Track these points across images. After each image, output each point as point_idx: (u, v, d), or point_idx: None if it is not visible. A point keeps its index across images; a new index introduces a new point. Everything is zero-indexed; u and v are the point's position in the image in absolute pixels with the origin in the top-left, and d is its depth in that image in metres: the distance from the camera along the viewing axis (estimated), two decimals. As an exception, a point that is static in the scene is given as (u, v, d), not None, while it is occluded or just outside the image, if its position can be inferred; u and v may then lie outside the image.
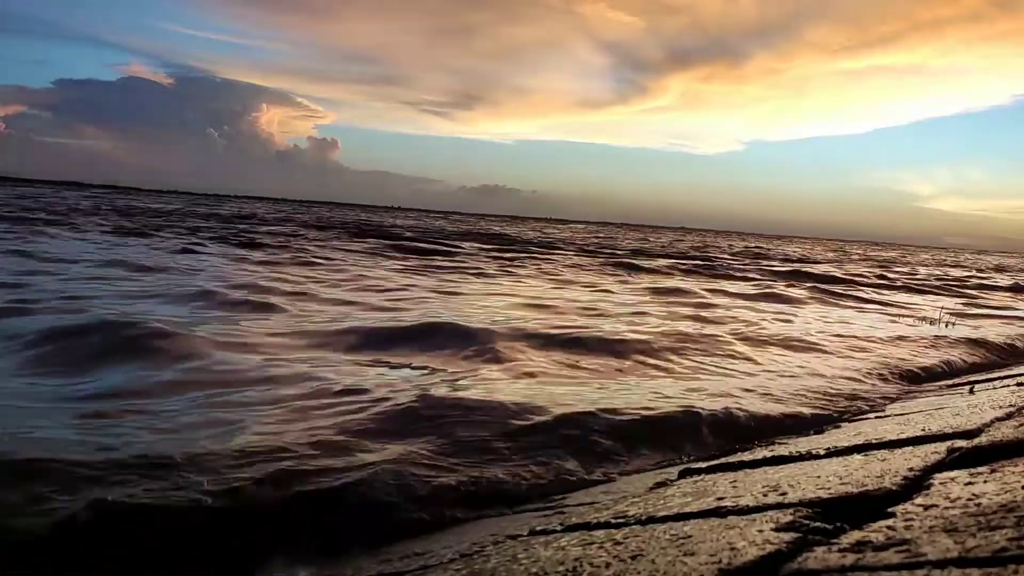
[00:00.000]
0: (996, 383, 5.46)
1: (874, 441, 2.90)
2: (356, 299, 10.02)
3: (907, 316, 12.51)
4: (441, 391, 4.78)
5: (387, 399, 4.48)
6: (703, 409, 4.61)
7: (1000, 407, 3.34)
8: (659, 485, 2.99)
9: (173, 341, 5.89)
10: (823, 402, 5.33)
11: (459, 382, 5.19)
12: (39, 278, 9.95)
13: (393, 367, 5.76)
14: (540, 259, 22.25)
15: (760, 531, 1.72)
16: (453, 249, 23.92)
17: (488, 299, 11.04)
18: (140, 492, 2.92)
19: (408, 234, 32.36)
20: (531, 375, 5.59)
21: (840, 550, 1.49)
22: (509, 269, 17.93)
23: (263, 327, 7.14)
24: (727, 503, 2.10)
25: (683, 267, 22.82)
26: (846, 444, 2.94)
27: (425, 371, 5.67)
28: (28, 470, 3.02)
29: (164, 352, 5.58)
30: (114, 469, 3.10)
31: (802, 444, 3.44)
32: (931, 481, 1.95)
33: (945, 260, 50.95)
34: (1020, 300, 18.46)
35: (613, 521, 2.19)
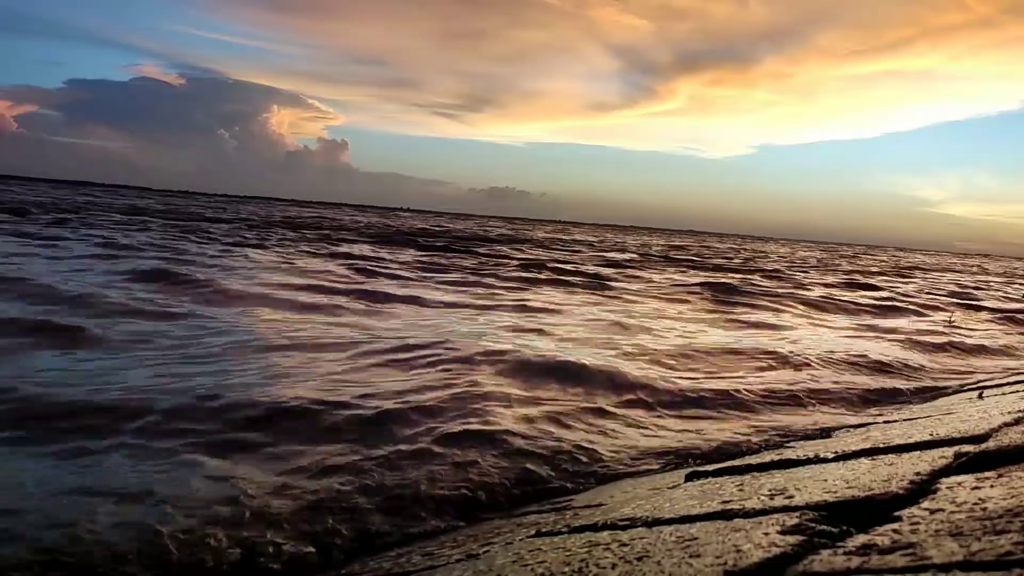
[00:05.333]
0: (1005, 388, 5.44)
1: (881, 445, 2.89)
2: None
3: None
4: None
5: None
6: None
7: (1008, 412, 3.32)
8: (666, 487, 3.00)
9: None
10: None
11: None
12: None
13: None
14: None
15: (766, 534, 1.72)
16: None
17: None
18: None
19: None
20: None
21: (846, 553, 1.49)
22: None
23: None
24: (733, 506, 2.11)
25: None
26: (854, 448, 2.93)
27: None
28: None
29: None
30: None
31: (809, 448, 3.44)
32: (938, 485, 1.95)
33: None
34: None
35: (619, 523, 2.19)
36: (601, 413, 4.96)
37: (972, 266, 56.03)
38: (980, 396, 5.14)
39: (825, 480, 2.31)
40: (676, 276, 20.30)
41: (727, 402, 5.55)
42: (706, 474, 3.01)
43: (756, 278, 21.46)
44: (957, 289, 23.53)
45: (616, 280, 17.41)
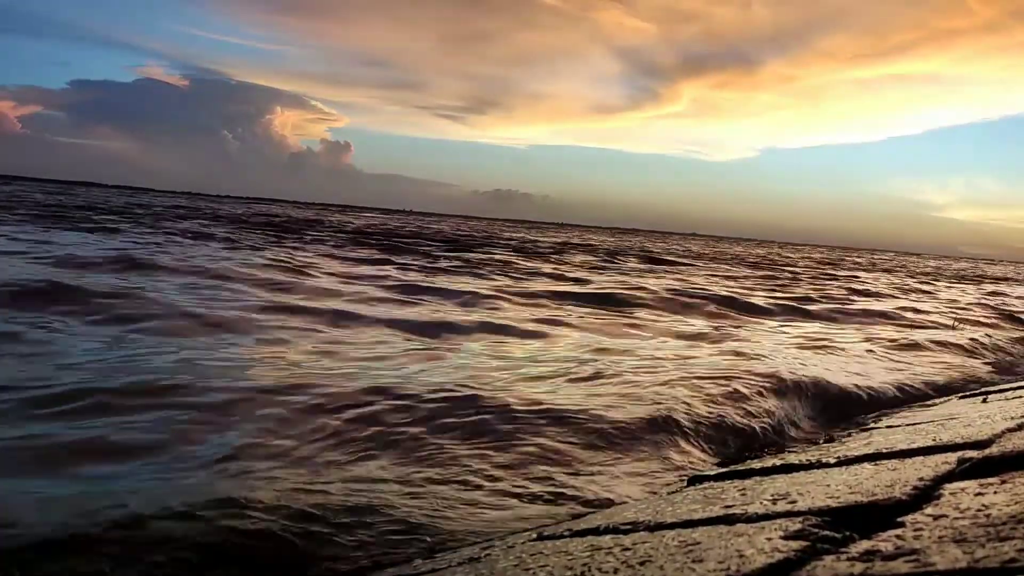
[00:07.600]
0: (1008, 394, 5.43)
1: (884, 451, 2.89)
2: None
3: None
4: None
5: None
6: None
7: (1012, 418, 3.32)
8: (668, 492, 2.99)
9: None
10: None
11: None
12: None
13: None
14: None
15: (769, 539, 1.72)
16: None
17: None
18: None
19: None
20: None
21: (849, 559, 1.49)
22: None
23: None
24: (736, 510, 2.10)
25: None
26: (856, 453, 2.93)
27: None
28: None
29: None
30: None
31: (812, 453, 3.43)
32: (941, 491, 1.94)
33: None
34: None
35: (622, 527, 2.19)
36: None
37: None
38: (984, 401, 5.13)
39: (828, 485, 2.31)
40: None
41: None
42: (708, 478, 3.01)
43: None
44: None
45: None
